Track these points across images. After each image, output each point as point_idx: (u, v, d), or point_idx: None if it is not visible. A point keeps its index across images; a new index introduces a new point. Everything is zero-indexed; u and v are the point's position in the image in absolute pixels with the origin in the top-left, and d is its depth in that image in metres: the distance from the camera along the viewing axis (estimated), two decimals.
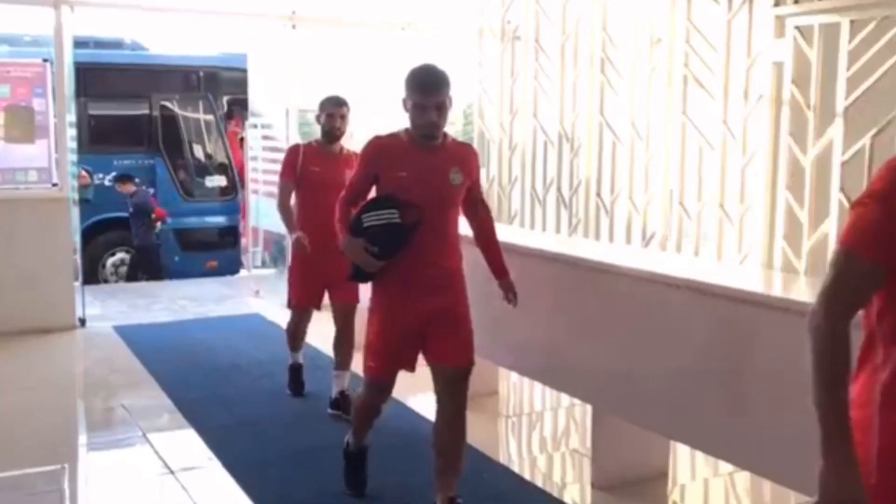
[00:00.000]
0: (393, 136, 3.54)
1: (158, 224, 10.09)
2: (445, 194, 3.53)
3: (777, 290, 3.97)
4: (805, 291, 3.77)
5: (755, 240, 5.90)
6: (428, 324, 3.55)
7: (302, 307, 5.33)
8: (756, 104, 5.85)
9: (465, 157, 3.65)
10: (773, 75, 5.72)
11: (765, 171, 5.81)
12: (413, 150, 3.48)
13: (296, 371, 5.56)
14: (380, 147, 3.54)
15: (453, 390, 3.63)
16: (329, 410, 5.16)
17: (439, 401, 3.66)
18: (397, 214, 3.43)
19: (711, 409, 3.60)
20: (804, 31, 5.54)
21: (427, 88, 3.41)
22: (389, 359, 3.64)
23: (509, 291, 3.85)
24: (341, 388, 5.13)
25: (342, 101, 5.16)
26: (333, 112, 5.10)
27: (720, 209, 6.12)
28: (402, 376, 3.71)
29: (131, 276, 10.09)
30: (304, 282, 5.21)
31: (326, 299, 5.28)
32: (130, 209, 9.92)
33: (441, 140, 3.52)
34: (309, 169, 5.04)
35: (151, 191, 10.17)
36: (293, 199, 5.20)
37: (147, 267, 10.07)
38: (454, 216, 3.65)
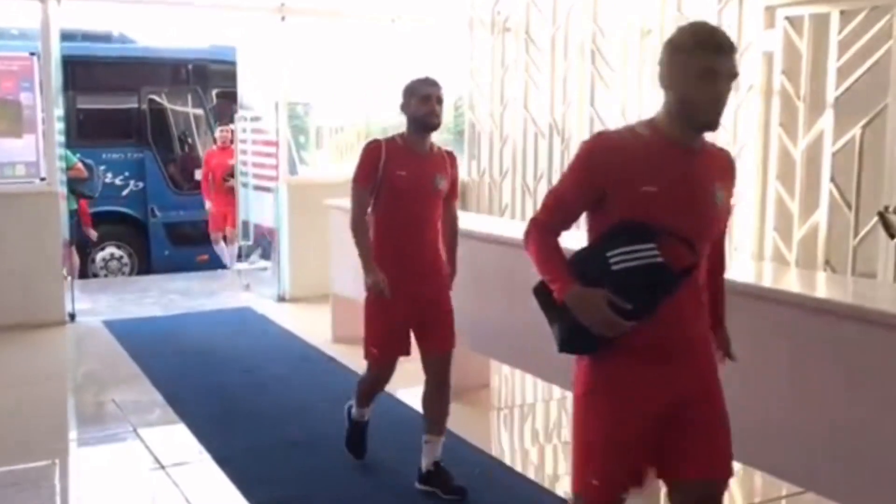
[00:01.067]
0: (630, 133, 2.42)
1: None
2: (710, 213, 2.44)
3: (768, 282, 3.97)
4: (796, 282, 3.78)
5: (746, 231, 5.91)
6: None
7: (386, 360, 4.05)
8: (746, 95, 5.85)
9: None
10: (763, 66, 5.72)
11: (755, 161, 5.81)
12: (664, 151, 2.37)
13: (361, 430, 4.38)
14: (611, 147, 2.39)
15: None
16: (418, 485, 4.04)
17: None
18: (656, 250, 2.29)
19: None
20: (794, 22, 5.54)
21: None
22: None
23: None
24: (434, 459, 4.00)
25: (437, 81, 3.94)
26: (430, 93, 3.83)
27: None
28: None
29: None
30: (387, 326, 3.95)
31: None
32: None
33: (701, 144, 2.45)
34: (394, 173, 3.82)
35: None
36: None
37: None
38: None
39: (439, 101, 3.85)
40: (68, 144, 7.89)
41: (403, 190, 3.84)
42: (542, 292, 2.44)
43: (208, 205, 9.89)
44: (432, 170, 3.91)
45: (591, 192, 2.35)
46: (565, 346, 2.40)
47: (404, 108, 3.91)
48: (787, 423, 3.29)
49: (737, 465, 4.02)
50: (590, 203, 2.38)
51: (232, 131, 9.59)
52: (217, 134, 9.98)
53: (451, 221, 4.06)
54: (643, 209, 2.28)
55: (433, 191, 3.90)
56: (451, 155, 4.06)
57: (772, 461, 3.43)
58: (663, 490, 4.29)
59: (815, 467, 3.24)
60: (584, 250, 2.41)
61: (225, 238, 9.92)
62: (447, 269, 4.04)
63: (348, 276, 6.50)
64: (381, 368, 4.06)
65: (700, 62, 2.27)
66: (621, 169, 2.30)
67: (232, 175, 9.37)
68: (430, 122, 3.85)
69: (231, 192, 9.36)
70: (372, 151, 3.89)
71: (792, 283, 3.86)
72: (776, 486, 4.09)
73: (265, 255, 9.17)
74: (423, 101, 3.82)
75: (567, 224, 2.45)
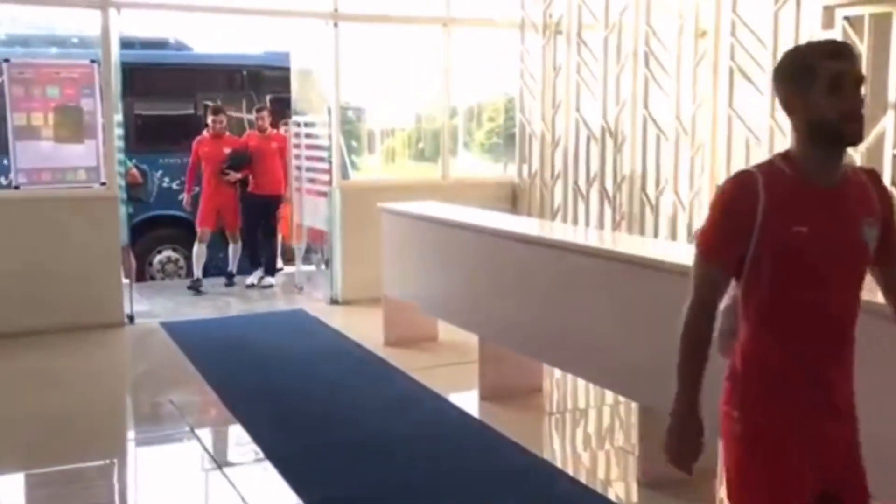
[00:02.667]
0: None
1: None
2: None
3: None
4: None
5: None
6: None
7: None
8: None
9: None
10: None
11: None
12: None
13: None
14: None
15: None
16: None
17: None
18: None
19: None
20: (854, 22, 5.43)
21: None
22: None
23: None
24: None
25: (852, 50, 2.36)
26: (844, 71, 2.07)
27: None
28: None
29: None
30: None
31: None
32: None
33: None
34: (790, 230, 2.07)
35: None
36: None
37: None
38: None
39: (858, 84, 2.11)
40: (126, 150, 8.05)
41: (805, 254, 2.12)
42: None
43: (187, 199, 9.23)
44: (855, 212, 2.16)
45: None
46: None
47: (796, 102, 2.15)
48: None
49: None
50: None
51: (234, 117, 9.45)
52: (210, 120, 9.11)
53: None
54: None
55: (859, 248, 2.17)
56: (873, 175, 2.27)
57: None
58: (711, 486, 4.24)
59: None
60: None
61: (226, 239, 9.35)
62: None
63: (399, 279, 6.55)
64: None
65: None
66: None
67: (233, 167, 8.89)
68: (850, 130, 2.11)
69: (231, 186, 8.99)
70: (740, 192, 2.13)
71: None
72: None
73: (317, 259, 9.26)
74: (833, 89, 2.08)
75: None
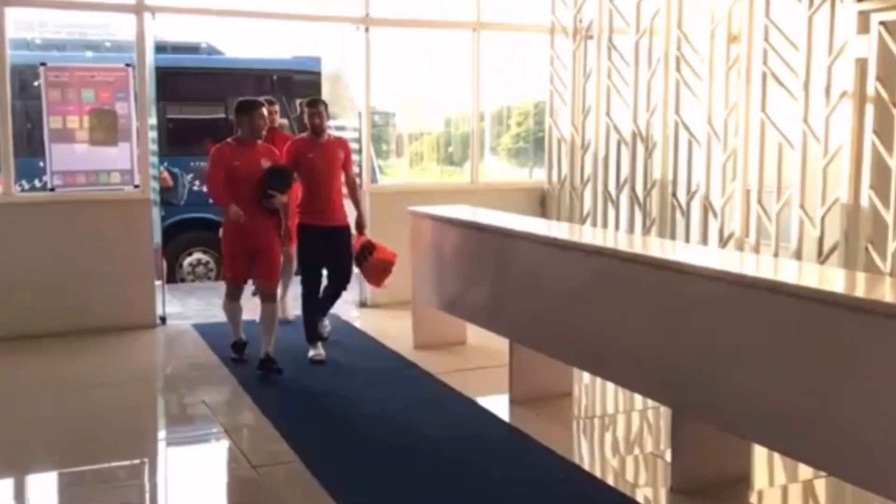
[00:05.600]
0: None
1: None
2: None
3: (860, 292, 3.87)
4: (891, 293, 3.67)
5: (837, 241, 5.76)
6: None
7: None
8: (839, 102, 5.71)
9: None
10: (856, 72, 5.58)
11: (847, 170, 5.67)
12: None
13: None
14: None
15: None
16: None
17: None
18: None
19: (794, 411, 3.54)
20: (889, 27, 5.39)
21: None
22: None
23: None
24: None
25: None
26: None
27: (800, 209, 5.99)
28: None
29: None
30: None
31: None
32: None
33: None
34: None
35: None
36: None
37: None
38: None
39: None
40: (159, 153, 8.13)
41: None
42: None
43: (236, 211, 5.90)
44: None
45: None
46: None
47: None
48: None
49: (826, 480, 3.92)
50: None
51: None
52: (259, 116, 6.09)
53: None
54: None
55: None
56: None
57: None
58: (744, 495, 4.21)
59: None
60: None
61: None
62: None
63: (428, 282, 6.56)
64: None
65: None
66: None
67: (276, 187, 5.97)
68: None
69: (272, 216, 6.10)
70: None
71: (887, 293, 3.74)
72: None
73: None
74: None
75: None
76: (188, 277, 10.32)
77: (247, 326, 6.45)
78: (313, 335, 6.36)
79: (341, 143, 6.47)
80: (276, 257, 6.19)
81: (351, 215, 6.52)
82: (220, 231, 6.37)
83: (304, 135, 6.40)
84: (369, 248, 6.48)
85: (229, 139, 6.12)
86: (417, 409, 5.35)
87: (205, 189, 10.46)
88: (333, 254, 6.31)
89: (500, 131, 11.45)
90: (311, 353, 6.29)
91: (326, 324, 6.80)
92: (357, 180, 6.69)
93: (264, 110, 6.10)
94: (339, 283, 6.45)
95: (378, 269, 6.56)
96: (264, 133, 6.24)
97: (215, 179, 5.99)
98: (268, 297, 6.09)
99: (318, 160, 6.23)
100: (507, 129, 11.61)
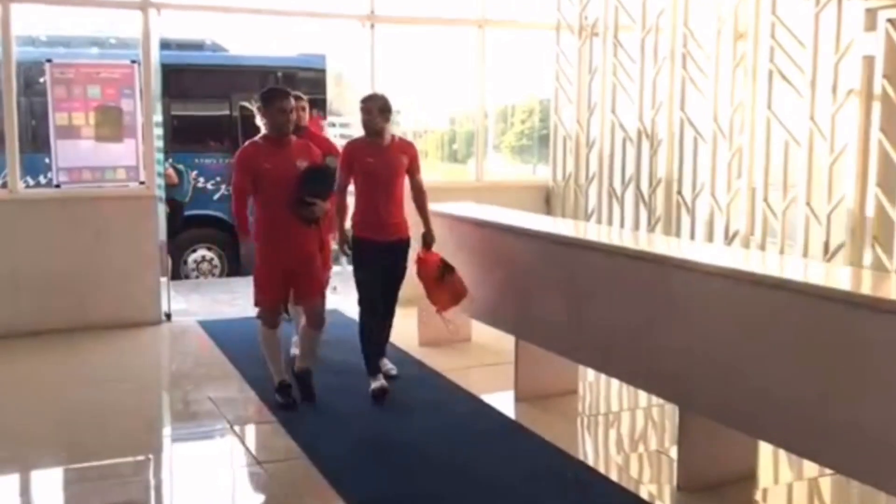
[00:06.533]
0: None
1: None
2: None
3: (867, 289, 3.87)
4: None
5: (843, 238, 5.75)
6: None
7: None
8: (845, 99, 5.70)
9: None
10: (863, 69, 5.57)
11: (854, 168, 5.66)
12: None
13: None
14: None
15: None
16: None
17: None
18: None
19: (801, 407, 3.54)
20: None
21: None
22: None
23: None
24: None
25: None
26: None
27: (807, 207, 5.98)
28: None
29: None
30: None
31: None
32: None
33: None
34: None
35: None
36: None
37: None
38: None
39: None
40: (164, 150, 8.14)
41: None
42: None
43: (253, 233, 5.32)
44: None
45: None
46: None
47: None
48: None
49: (832, 478, 3.90)
50: None
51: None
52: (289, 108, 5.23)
53: None
54: None
55: None
56: None
57: None
58: (750, 493, 4.20)
59: None
60: None
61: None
62: None
63: None
64: None
65: None
66: None
67: (316, 192, 5.14)
68: None
69: (312, 227, 5.23)
70: None
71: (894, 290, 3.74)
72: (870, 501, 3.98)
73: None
74: None
75: None
76: (193, 274, 10.33)
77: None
78: (374, 366, 5.53)
79: (406, 146, 5.62)
80: (321, 273, 5.40)
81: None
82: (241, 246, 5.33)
83: (361, 136, 5.53)
84: (450, 267, 5.69)
85: (257, 137, 5.20)
86: (422, 406, 5.35)
87: (209, 186, 10.54)
88: (390, 271, 5.52)
89: (504, 129, 11.45)
90: (374, 384, 5.41)
91: (388, 364, 5.92)
92: (424, 187, 5.73)
93: (287, 102, 5.18)
94: (390, 305, 5.70)
95: (453, 295, 5.68)
96: (290, 129, 5.23)
97: (240, 193, 5.10)
98: (315, 321, 5.24)
99: (380, 166, 5.38)
100: (510, 127, 11.61)
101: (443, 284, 5.65)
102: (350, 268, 6.09)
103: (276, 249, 5.08)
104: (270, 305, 5.23)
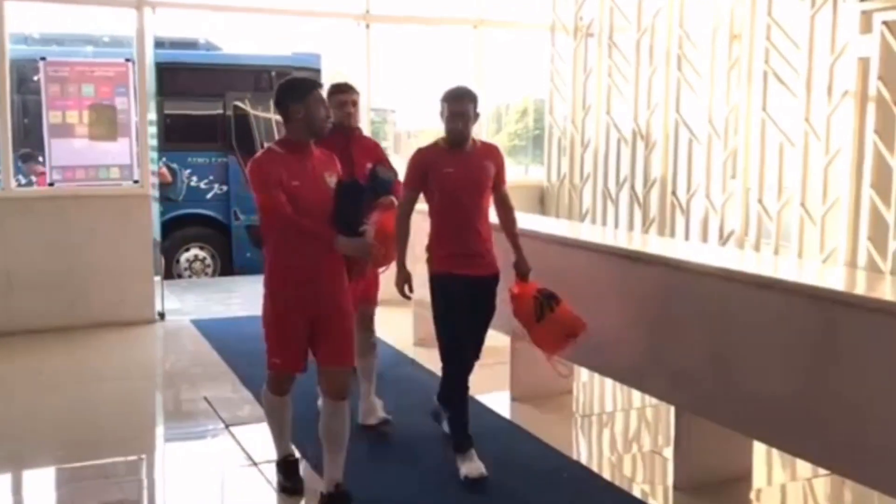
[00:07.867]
0: None
1: None
2: None
3: (861, 289, 3.88)
4: (891, 291, 3.69)
5: (838, 240, 5.77)
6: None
7: None
8: (840, 101, 5.72)
9: None
10: (858, 71, 5.59)
11: (849, 169, 5.68)
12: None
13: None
14: None
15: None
16: None
17: None
18: None
19: (796, 408, 3.55)
20: (892, 26, 5.41)
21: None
22: None
23: None
24: None
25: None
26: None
27: (801, 208, 6.00)
28: None
29: None
30: None
31: None
32: None
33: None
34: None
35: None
36: None
37: None
38: None
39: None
40: (157, 148, 8.12)
41: None
42: None
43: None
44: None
45: None
46: None
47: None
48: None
49: (826, 479, 3.91)
50: None
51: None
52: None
53: None
54: None
55: None
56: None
57: None
58: (746, 493, 4.20)
59: None
60: None
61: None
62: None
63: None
64: None
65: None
66: None
67: (365, 216, 3.91)
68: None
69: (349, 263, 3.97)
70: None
71: (887, 291, 3.76)
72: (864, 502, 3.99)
73: None
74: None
75: None
76: (185, 273, 10.31)
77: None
78: (463, 440, 4.25)
79: (491, 151, 4.38)
80: (351, 324, 3.88)
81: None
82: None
83: (433, 143, 4.31)
84: (552, 298, 4.35)
85: (272, 145, 3.78)
86: (418, 405, 5.34)
87: (202, 185, 10.51)
88: (479, 314, 4.37)
89: (497, 129, 11.45)
90: (464, 468, 4.15)
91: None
92: (512, 202, 4.53)
93: (349, 95, 4.45)
94: (477, 352, 4.49)
95: (565, 330, 4.34)
96: (328, 129, 3.82)
97: (276, 210, 3.60)
98: (337, 391, 3.81)
99: (463, 178, 4.20)
100: (503, 127, 11.61)
101: (550, 319, 4.34)
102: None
103: (297, 292, 3.71)
104: (283, 370, 3.87)
